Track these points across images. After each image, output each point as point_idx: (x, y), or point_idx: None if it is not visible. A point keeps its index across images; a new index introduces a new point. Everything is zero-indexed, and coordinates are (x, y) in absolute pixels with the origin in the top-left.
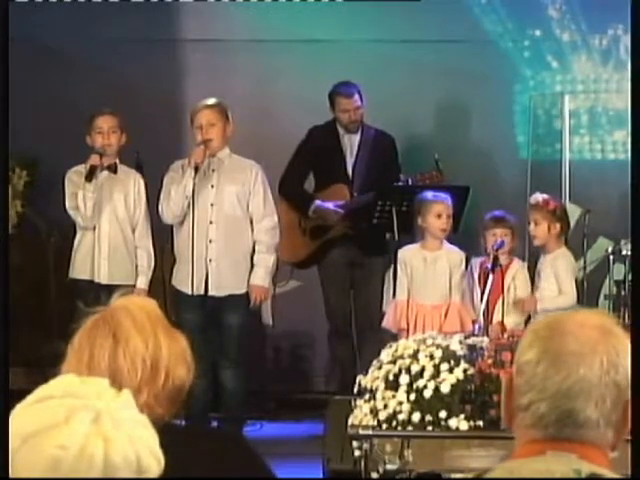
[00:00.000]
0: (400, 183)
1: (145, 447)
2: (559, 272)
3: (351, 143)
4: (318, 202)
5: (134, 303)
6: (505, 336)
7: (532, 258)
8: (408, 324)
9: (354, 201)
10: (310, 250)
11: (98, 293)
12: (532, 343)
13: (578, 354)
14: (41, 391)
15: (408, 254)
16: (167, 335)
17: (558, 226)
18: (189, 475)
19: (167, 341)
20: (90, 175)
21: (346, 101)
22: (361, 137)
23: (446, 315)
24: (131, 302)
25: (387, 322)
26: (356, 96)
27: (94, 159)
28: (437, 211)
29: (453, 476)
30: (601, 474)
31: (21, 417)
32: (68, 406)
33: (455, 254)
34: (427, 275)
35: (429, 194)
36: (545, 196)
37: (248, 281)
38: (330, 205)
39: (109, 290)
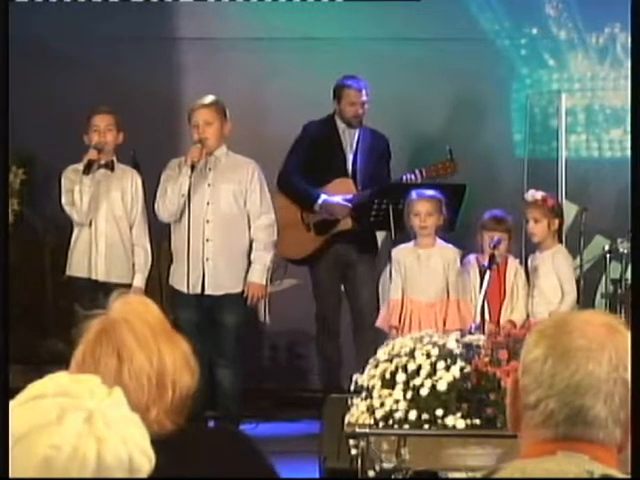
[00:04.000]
0: (407, 179)
1: (137, 446)
2: (561, 269)
3: (350, 138)
4: (325, 196)
5: (134, 312)
6: (502, 334)
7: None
8: (404, 322)
9: (362, 195)
10: (316, 246)
11: (95, 291)
12: (538, 341)
13: (586, 349)
14: (33, 389)
15: (402, 253)
16: (170, 344)
17: (557, 222)
18: (190, 472)
19: (170, 352)
20: (87, 169)
21: (355, 94)
22: (359, 133)
23: (446, 313)
24: (131, 311)
25: (380, 321)
26: (364, 90)
27: (92, 154)
28: (416, 209)
29: (457, 475)
30: (614, 476)
31: (14, 416)
32: (60, 405)
33: (449, 251)
34: (421, 272)
35: (414, 193)
36: (542, 193)
37: (245, 279)
38: (338, 199)
39: (106, 288)
